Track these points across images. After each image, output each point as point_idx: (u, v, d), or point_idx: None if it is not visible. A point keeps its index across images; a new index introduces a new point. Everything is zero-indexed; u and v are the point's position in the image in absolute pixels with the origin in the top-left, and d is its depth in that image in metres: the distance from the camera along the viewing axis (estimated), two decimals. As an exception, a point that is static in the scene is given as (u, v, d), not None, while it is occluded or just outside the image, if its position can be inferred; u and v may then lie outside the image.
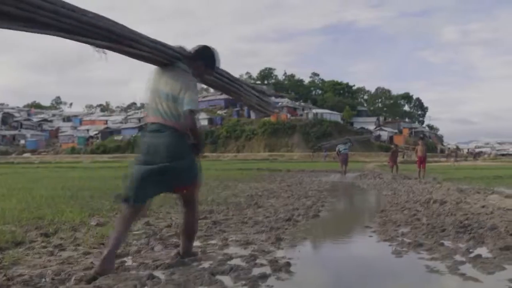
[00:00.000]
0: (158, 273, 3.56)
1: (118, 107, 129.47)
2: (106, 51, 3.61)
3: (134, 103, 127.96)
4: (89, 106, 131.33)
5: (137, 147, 4.01)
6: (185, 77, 3.89)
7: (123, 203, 3.75)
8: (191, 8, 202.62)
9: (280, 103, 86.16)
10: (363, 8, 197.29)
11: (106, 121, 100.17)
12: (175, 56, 4.01)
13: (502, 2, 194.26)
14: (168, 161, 3.70)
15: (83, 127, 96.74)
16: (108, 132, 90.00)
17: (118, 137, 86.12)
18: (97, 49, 3.52)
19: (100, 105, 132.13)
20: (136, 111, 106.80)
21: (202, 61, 4.11)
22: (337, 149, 23.35)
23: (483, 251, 4.47)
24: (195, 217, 4.10)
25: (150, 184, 3.69)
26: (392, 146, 28.75)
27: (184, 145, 3.83)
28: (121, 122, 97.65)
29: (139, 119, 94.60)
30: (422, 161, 16.92)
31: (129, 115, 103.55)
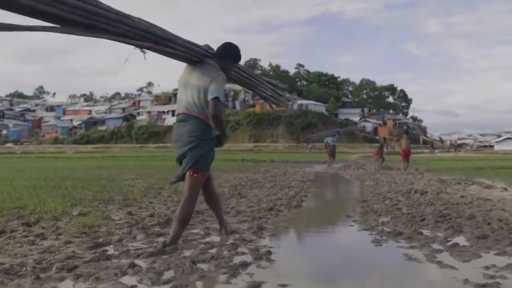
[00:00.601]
0: (139, 262, 3.59)
1: (102, 97, 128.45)
2: (146, 50, 3.99)
3: (118, 93, 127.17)
4: (73, 96, 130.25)
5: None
6: (214, 71, 4.28)
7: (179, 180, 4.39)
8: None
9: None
10: (348, 0, 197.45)
11: (90, 111, 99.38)
12: (204, 54, 4.38)
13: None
14: (189, 147, 4.14)
15: (66, 117, 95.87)
16: (92, 122, 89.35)
17: (102, 127, 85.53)
18: (141, 49, 3.93)
19: (84, 95, 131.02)
20: (121, 101, 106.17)
21: (229, 58, 4.52)
22: (325, 141, 23.90)
23: (460, 239, 4.56)
24: (189, 202, 4.28)
25: (183, 166, 4.23)
26: (378, 138, 29.01)
27: (204, 133, 4.20)
28: (105, 112, 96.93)
29: (123, 109, 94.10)
30: (406, 154, 16.91)
31: (113, 105, 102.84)
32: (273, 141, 70.45)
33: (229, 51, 4.54)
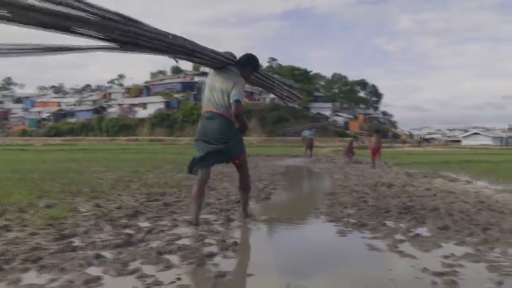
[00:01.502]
0: (105, 253, 3.59)
1: (72, 89, 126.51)
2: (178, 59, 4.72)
3: (89, 85, 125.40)
4: (42, 88, 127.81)
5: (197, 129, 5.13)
6: (236, 77, 4.98)
7: (194, 170, 5.00)
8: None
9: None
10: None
11: (60, 103, 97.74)
12: (226, 61, 5.07)
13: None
14: (222, 142, 4.89)
15: (35, 109, 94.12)
16: (61, 114, 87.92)
17: (71, 120, 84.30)
18: (175, 59, 4.66)
19: (53, 87, 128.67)
20: (91, 93, 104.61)
21: (250, 66, 5.28)
22: (302, 134, 24.55)
23: (422, 230, 4.69)
24: (247, 176, 5.42)
25: (211, 156, 4.90)
26: (348, 132, 29.39)
27: (231, 128, 4.97)
28: (75, 104, 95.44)
29: (94, 102, 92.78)
30: (375, 151, 16.78)
31: (84, 97, 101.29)
32: (246, 134, 70.43)
33: (250, 61, 5.28)
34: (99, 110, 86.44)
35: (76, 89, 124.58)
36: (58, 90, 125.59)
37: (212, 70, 5.20)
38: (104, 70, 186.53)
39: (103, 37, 3.91)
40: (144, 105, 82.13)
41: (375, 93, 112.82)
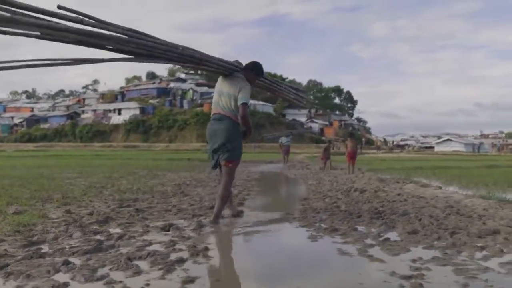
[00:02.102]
0: (74, 259, 3.55)
1: (45, 94, 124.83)
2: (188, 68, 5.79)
3: (63, 90, 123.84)
4: (14, 93, 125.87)
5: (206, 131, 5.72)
6: (242, 82, 5.47)
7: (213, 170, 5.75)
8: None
9: (213, 93, 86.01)
10: (297, 1, 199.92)
11: (32, 108, 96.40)
12: (233, 68, 5.61)
13: (426, 1, 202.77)
14: (224, 141, 5.34)
15: (7, 114, 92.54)
16: (34, 120, 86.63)
17: (44, 125, 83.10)
18: (185, 68, 6.07)
19: (26, 92, 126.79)
20: (65, 98, 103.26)
21: (254, 72, 5.79)
22: (280, 141, 24.82)
23: (392, 235, 4.74)
24: (226, 184, 5.49)
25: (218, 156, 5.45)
26: (324, 138, 29.69)
27: (236, 130, 5.42)
28: (48, 110, 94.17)
29: (68, 107, 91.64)
30: (352, 156, 16.37)
31: (57, 103, 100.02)
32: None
33: (254, 68, 5.80)
34: (72, 116, 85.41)
35: (50, 94, 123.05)
36: (31, 95, 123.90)
37: (220, 77, 5.69)
38: (78, 75, 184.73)
39: (121, 50, 4.53)
40: (118, 111, 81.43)
41: (350, 100, 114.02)
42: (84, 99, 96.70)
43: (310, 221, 5.51)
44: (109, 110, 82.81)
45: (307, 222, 5.46)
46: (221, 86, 5.58)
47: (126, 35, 4.47)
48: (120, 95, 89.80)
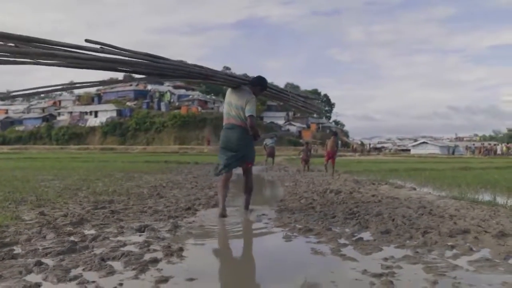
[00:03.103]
0: (46, 260, 3.54)
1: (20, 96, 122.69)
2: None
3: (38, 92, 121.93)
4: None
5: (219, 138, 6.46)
6: (248, 95, 6.24)
7: (220, 173, 6.26)
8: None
9: (190, 96, 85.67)
10: (275, 5, 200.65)
11: (7, 110, 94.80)
12: (240, 82, 6.42)
13: (403, 6, 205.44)
14: (240, 148, 6.20)
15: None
16: (8, 122, 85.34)
17: (19, 128, 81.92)
18: (195, 82, 6.26)
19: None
20: (40, 100, 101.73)
21: (260, 86, 6.57)
22: (264, 143, 24.96)
23: (366, 235, 4.81)
24: (251, 180, 6.61)
25: (233, 163, 6.24)
26: (301, 141, 29.91)
27: (247, 137, 6.25)
28: (23, 112, 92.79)
29: (43, 109, 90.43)
30: (331, 156, 15.86)
31: (32, 105, 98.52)
32: (199, 143, 70.12)
33: (259, 82, 6.56)
34: (48, 118, 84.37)
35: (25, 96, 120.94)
36: (6, 97, 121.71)
37: (229, 89, 6.49)
38: (54, 77, 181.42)
39: (138, 71, 5.50)
40: (95, 113, 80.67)
41: (328, 103, 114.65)
42: (60, 101, 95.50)
43: (285, 222, 5.56)
44: (86, 113, 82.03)
45: (282, 223, 5.51)
46: (230, 98, 6.35)
47: (143, 59, 5.35)
48: (96, 97, 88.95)
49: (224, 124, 6.38)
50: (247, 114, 6.08)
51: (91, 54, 4.89)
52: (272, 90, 7.51)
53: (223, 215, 5.97)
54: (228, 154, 6.21)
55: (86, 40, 4.93)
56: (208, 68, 6.08)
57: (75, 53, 4.74)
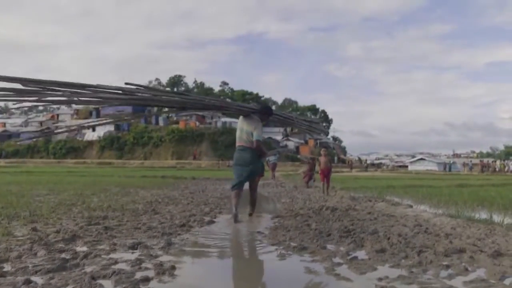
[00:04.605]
0: (36, 278, 3.49)
1: (18, 109, 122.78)
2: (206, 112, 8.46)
3: (36, 106, 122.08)
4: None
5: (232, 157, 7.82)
6: (256, 121, 7.56)
7: (235, 188, 7.55)
8: (98, 9, 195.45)
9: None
10: (273, 21, 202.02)
11: (4, 123, 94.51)
12: (250, 110, 7.74)
13: (400, 23, 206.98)
14: (250, 165, 7.52)
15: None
16: (6, 136, 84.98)
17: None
18: (210, 113, 8.99)
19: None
20: (38, 114, 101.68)
21: (266, 115, 7.91)
22: (267, 159, 25.44)
23: (361, 253, 4.77)
24: (255, 194, 8.10)
25: (244, 178, 7.59)
26: (299, 156, 30.05)
27: (255, 156, 7.57)
28: (20, 125, 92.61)
29: (41, 123, 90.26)
30: (325, 174, 14.45)
31: (30, 118, 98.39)
32: (196, 158, 70.00)
33: (266, 111, 7.99)
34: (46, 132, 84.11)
35: (22, 109, 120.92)
36: (3, 110, 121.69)
37: (241, 117, 7.73)
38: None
39: (165, 106, 7.67)
40: (93, 128, 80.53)
41: (326, 119, 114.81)
42: (58, 115, 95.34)
43: (280, 239, 5.51)
44: (84, 126, 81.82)
45: (277, 240, 5.47)
46: (242, 124, 7.63)
47: (171, 96, 7.16)
48: (94, 112, 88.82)
49: (237, 145, 7.67)
50: (254, 139, 7.39)
51: (131, 94, 6.47)
52: (278, 116, 8.82)
53: (236, 220, 7.17)
54: (241, 170, 7.55)
55: (126, 83, 6.33)
56: (223, 100, 8.05)
57: (117, 94, 6.29)
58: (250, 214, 7.97)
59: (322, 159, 14.91)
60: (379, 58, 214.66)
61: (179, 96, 6.87)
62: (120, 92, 6.28)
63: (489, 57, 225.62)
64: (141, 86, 6.41)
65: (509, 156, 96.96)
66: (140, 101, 6.52)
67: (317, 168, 16.93)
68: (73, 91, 5.92)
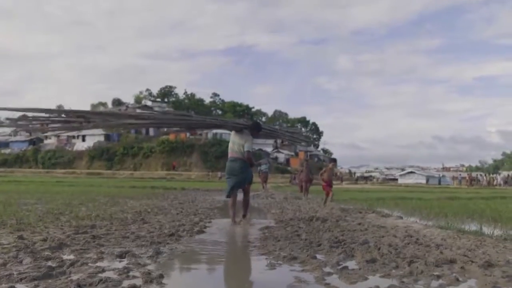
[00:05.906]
0: (20, 286, 3.43)
1: (7, 118, 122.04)
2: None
3: (25, 115, 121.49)
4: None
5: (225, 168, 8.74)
6: (247, 135, 8.57)
7: (229, 195, 8.63)
8: (89, 19, 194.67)
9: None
10: (263, 33, 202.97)
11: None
12: (242, 126, 8.83)
13: (389, 36, 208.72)
14: (240, 174, 8.49)
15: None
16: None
17: (5, 151, 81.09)
18: (207, 130, 9.76)
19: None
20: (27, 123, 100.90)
21: (256, 130, 8.84)
22: (258, 168, 26.14)
23: (351, 263, 4.73)
24: (248, 198, 9.12)
25: (236, 185, 8.60)
26: (289, 169, 29.81)
27: (246, 166, 8.53)
28: (9, 135, 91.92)
29: (30, 132, 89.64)
30: (327, 186, 14.18)
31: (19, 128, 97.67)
32: (187, 169, 69.84)
33: (255, 126, 8.95)
34: (35, 142, 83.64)
35: (11, 118, 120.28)
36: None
37: (233, 131, 8.74)
38: (41, 99, 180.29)
39: (175, 127, 9.32)
40: (83, 137, 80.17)
41: (316, 131, 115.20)
42: (47, 124, 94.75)
43: (270, 249, 5.46)
44: (73, 137, 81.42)
45: (267, 250, 5.42)
46: (234, 138, 8.61)
47: (178, 118, 8.83)
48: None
49: (229, 157, 8.60)
50: (245, 150, 8.36)
51: (145, 118, 8.45)
52: (266, 130, 9.86)
53: (235, 223, 8.31)
54: (233, 179, 8.50)
55: (139, 108, 7.67)
56: (221, 119, 9.86)
57: (134, 119, 8.21)
58: (244, 216, 8.86)
59: (327, 170, 14.40)
60: (368, 71, 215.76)
61: (186, 118, 8.64)
62: (140, 117, 8.48)
63: (477, 71, 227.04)
64: (155, 110, 7.62)
65: (497, 170, 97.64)
66: (154, 125, 8.82)
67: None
68: (104, 119, 7.93)
